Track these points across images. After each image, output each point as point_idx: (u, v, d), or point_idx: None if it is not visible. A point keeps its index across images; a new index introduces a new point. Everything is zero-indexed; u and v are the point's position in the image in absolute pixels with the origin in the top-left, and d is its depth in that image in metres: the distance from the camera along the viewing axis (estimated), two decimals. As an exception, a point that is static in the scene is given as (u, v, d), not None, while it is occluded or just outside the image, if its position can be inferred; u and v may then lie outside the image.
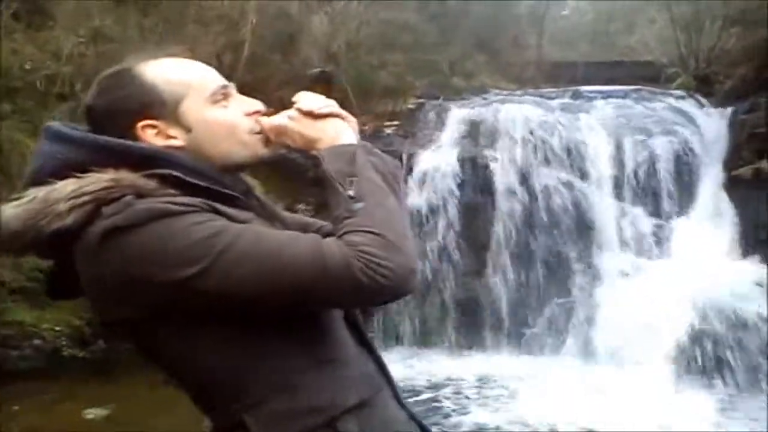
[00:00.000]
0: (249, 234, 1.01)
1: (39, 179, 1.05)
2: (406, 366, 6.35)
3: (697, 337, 5.95)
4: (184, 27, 8.03)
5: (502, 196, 7.32)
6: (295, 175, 6.47)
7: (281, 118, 1.15)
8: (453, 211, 7.30)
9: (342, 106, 1.19)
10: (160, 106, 1.10)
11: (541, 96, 9.13)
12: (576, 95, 9.16)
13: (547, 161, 7.50)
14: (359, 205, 1.03)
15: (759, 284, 6.07)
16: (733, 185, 7.19)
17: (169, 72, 1.13)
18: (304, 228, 1.20)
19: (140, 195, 1.01)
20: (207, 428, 1.10)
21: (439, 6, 13.27)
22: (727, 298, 6.07)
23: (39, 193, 1.02)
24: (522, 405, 5.37)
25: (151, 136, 1.10)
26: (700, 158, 7.51)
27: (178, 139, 1.11)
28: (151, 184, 1.02)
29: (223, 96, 1.14)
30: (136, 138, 1.09)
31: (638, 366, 5.86)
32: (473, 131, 7.91)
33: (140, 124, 1.10)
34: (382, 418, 1.10)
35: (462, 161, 7.55)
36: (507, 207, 7.27)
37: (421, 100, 9.01)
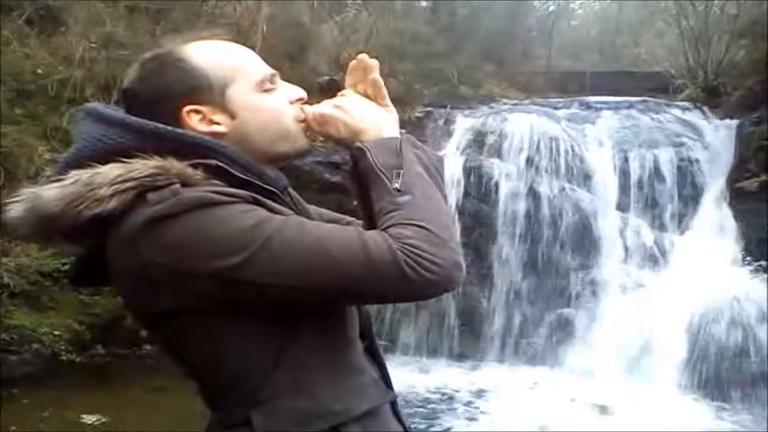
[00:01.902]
0: (293, 224, 0.99)
1: (80, 161, 1.02)
2: (405, 375, 6.34)
3: (699, 350, 5.93)
4: (196, 34, 8.10)
5: (506, 205, 7.32)
6: (304, 183, 6.52)
7: (327, 107, 1.13)
8: (456, 219, 7.31)
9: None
10: (206, 91, 1.07)
11: (549, 106, 9.14)
12: (583, 105, 9.17)
13: (552, 171, 7.51)
14: (406, 198, 1.01)
15: (762, 297, 6.05)
16: (738, 198, 7.17)
17: (216, 56, 1.09)
18: (331, 222, 1.19)
19: (186, 184, 0.99)
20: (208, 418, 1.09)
21: (448, 17, 13.33)
22: (730, 311, 6.04)
23: (82, 175, 0.99)
24: (522, 416, 5.36)
25: (196, 121, 1.07)
26: (705, 170, 7.48)
27: (222, 125, 1.08)
28: (198, 173, 1.00)
29: (270, 83, 1.12)
30: (179, 123, 1.06)
31: (639, 378, 5.85)
32: (479, 140, 7.93)
33: (185, 109, 1.06)
34: (383, 430, 1.09)
35: (467, 170, 7.57)
36: (511, 216, 7.27)
37: (429, 109, 9.04)
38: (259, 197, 1.02)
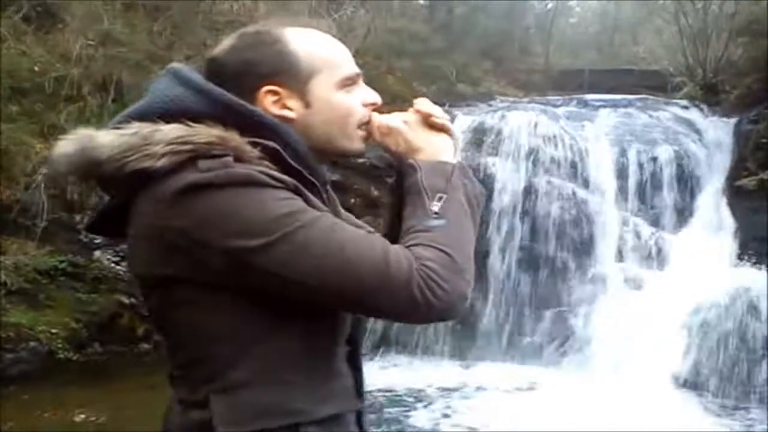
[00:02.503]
0: (324, 223, 0.99)
1: (146, 116, 1.03)
2: (398, 372, 6.35)
3: (695, 349, 5.94)
4: (193, 32, 8.09)
5: (504, 203, 7.32)
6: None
7: (396, 120, 1.14)
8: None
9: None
10: (292, 76, 1.08)
11: (547, 104, 9.14)
12: (581, 103, 9.18)
13: (550, 169, 7.51)
14: (440, 222, 1.03)
15: (760, 295, 6.05)
16: (736, 196, 7.17)
17: (312, 44, 1.11)
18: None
19: (240, 159, 0.99)
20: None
21: (446, 15, 13.34)
22: (728, 308, 6.05)
23: (143, 129, 1.00)
24: (518, 415, 5.36)
25: (270, 103, 1.08)
26: (703, 168, 7.50)
27: (293, 111, 1.09)
28: (255, 152, 1.01)
29: (352, 82, 1.13)
30: (254, 100, 1.07)
31: (637, 376, 5.85)
32: (478, 138, 7.92)
33: (264, 88, 1.08)
34: None
35: (465, 168, 7.55)
36: (509, 214, 7.27)
37: (427, 107, 9.01)
38: (302, 188, 1.03)
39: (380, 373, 6.19)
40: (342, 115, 1.12)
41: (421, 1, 14.52)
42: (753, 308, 6.02)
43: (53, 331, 5.86)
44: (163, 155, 0.98)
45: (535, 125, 7.82)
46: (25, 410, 5.05)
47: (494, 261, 7.15)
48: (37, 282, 6.03)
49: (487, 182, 7.47)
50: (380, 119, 1.14)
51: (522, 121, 7.90)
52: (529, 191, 7.37)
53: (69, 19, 7.60)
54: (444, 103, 9.34)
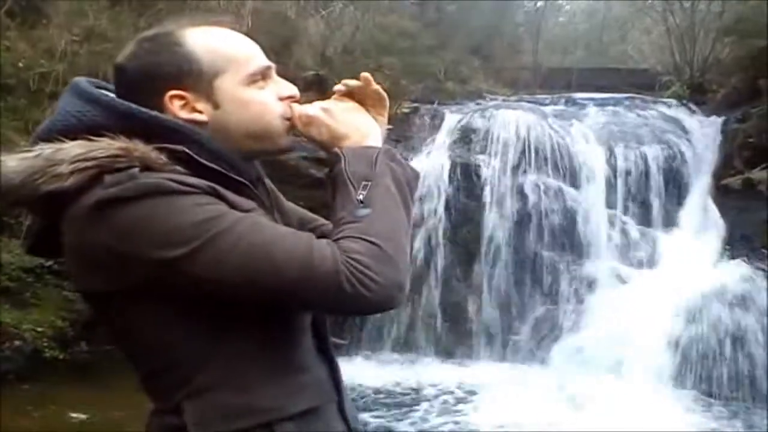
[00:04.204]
0: (246, 223, 0.97)
1: (50, 135, 1.01)
2: (388, 371, 6.34)
3: (683, 347, 5.97)
4: (180, 28, 8.03)
5: (493, 201, 7.32)
6: (289, 178, 6.47)
7: (314, 108, 1.11)
8: (443, 215, 7.30)
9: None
10: (195, 78, 1.05)
11: (536, 102, 9.16)
12: (570, 102, 9.20)
13: (538, 168, 7.52)
14: (365, 211, 1.00)
15: (747, 292, 6.09)
16: (723, 195, 7.21)
17: (212, 43, 1.07)
18: (303, 222, 1.18)
19: (147, 168, 0.97)
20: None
21: (435, 12, 13.33)
22: (714, 308, 6.08)
23: (45, 150, 0.98)
24: (505, 412, 5.36)
25: (178, 107, 1.05)
26: (690, 167, 7.54)
27: (203, 114, 1.06)
28: (162, 158, 0.98)
29: (262, 77, 1.09)
30: (161, 107, 1.04)
31: (627, 375, 5.87)
32: (466, 136, 7.92)
33: (169, 93, 1.04)
34: (322, 430, 1.07)
35: (454, 166, 7.56)
36: (497, 213, 7.27)
37: (416, 105, 9.01)
38: (221, 189, 1.00)
39: (368, 372, 6.19)
40: (255, 113, 1.07)
41: (410, -1, 14.49)
42: (741, 306, 6.06)
43: (39, 329, 5.79)
44: (70, 174, 0.96)
45: (524, 124, 7.82)
46: (11, 409, 4.98)
47: (483, 259, 7.15)
48: (23, 280, 5.96)
49: (475, 181, 7.48)
50: (300, 109, 1.11)
51: (510, 120, 7.90)
52: (517, 190, 7.37)
53: (53, 14, 7.52)
54: (433, 101, 9.35)
